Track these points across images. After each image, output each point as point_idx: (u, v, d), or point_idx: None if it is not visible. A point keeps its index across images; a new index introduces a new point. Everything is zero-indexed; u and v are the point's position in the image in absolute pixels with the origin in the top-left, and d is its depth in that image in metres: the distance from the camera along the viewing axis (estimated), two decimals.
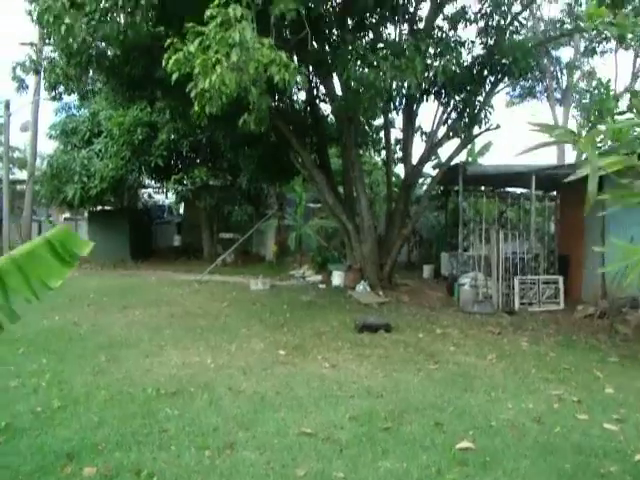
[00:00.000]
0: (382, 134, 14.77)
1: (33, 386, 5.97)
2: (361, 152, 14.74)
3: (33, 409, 5.28)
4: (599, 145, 1.83)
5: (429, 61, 9.66)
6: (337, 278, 13.63)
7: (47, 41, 10.59)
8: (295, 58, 8.03)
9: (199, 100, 6.34)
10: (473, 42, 11.64)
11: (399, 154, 14.80)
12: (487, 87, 11.85)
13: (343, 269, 13.76)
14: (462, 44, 11.15)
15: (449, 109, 12.24)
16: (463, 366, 7.00)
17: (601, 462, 4.25)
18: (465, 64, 10.88)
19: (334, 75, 11.28)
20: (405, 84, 8.84)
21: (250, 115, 7.39)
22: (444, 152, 15.64)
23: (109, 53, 8.17)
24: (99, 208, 19.79)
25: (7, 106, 19.22)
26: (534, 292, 11.28)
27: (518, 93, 20.30)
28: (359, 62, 8.94)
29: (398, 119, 13.94)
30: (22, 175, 22.70)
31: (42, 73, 11.27)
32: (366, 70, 8.67)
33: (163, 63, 6.55)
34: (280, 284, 14.20)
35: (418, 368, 6.88)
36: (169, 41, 6.56)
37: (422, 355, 7.53)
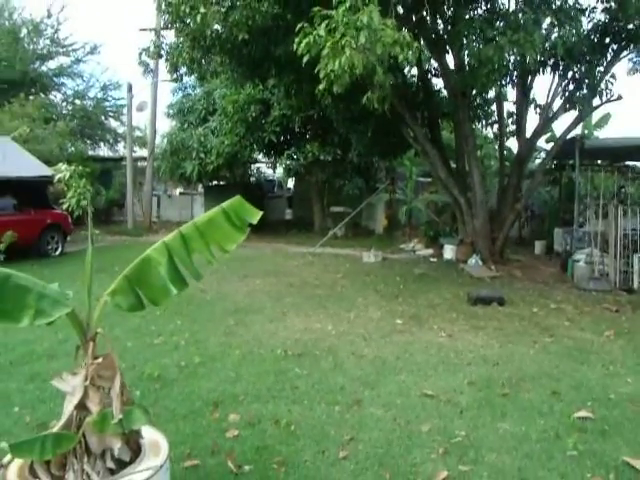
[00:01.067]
0: (494, 107, 14.51)
1: (174, 343, 6.66)
2: (473, 126, 14.56)
3: (177, 363, 5.93)
4: None
5: (547, 32, 9.40)
6: (449, 252, 13.71)
7: (169, 27, 11.26)
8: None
9: (327, 80, 6.64)
10: (594, 8, 11.11)
11: (512, 128, 14.50)
12: (609, 56, 11.30)
13: (455, 243, 13.81)
14: (582, 11, 10.67)
15: (566, 81, 11.79)
16: (579, 341, 6.98)
17: None
18: (585, 32, 10.43)
19: (449, 50, 11.24)
20: (523, 59, 8.69)
21: (373, 93, 7.62)
22: (558, 126, 15.17)
23: (238, 37, 8.61)
24: (214, 183, 20.78)
25: (130, 88, 20.50)
26: None
27: None
28: (475, 37, 8.90)
29: (511, 92, 13.66)
30: (142, 152, 24.19)
31: (165, 57, 11.96)
32: (483, 45, 8.61)
33: (294, 46, 6.89)
34: (391, 257, 14.45)
35: (533, 340, 6.95)
36: (299, 25, 6.89)
37: (536, 329, 7.57)
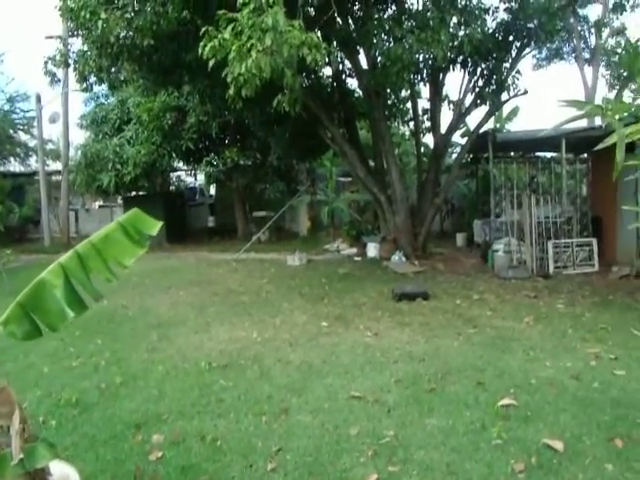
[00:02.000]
0: (409, 105, 14.78)
1: (94, 365, 6.36)
2: (389, 124, 14.77)
3: (98, 385, 5.66)
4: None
5: (454, 31, 9.65)
6: (372, 250, 13.84)
7: (75, 34, 10.83)
8: (320, 36, 8.07)
9: (235, 84, 6.52)
10: (497, 8, 11.54)
11: (427, 124, 14.83)
12: (513, 53, 11.75)
13: (377, 241, 13.96)
14: (486, 11, 11.07)
15: (476, 77, 12.18)
16: (501, 329, 7.17)
17: (639, 414, 4.41)
18: (490, 31, 10.81)
19: (360, 50, 11.33)
20: (432, 56, 8.88)
21: (284, 96, 7.56)
22: (472, 120, 15.61)
23: (143, 43, 8.34)
24: (133, 194, 20.20)
25: (38, 99, 19.62)
26: (568, 255, 11.31)
27: (545, 55, 19.88)
28: (385, 37, 9.02)
29: (425, 89, 13.98)
30: (56, 166, 23.27)
31: (72, 65, 11.50)
32: (392, 44, 8.74)
33: (199, 51, 6.74)
34: (316, 258, 14.46)
35: (457, 333, 7.07)
36: (204, 29, 6.75)
37: (460, 320, 7.72)
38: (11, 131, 26.21)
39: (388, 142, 12.71)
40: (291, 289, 10.45)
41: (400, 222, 12.88)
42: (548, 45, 16.77)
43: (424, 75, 11.91)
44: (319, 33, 8.68)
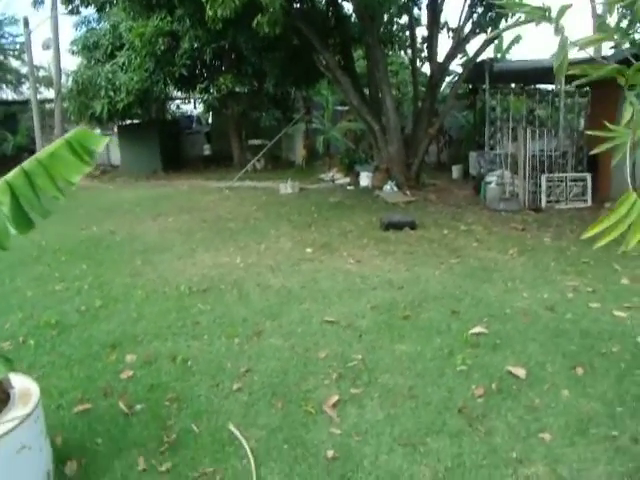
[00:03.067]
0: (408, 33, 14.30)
1: (76, 289, 6.43)
2: (387, 52, 14.35)
3: (78, 308, 5.74)
4: None
5: None
6: (365, 179, 13.72)
7: None
8: None
9: (211, 4, 6.27)
10: None
11: (426, 53, 14.38)
12: None
13: (370, 170, 13.82)
14: None
15: (472, 2, 11.69)
16: (484, 260, 7.17)
17: (605, 344, 4.45)
18: None
19: None
20: None
21: (263, 16, 7.27)
22: (472, 49, 15.13)
23: None
24: (128, 122, 19.89)
25: (26, 23, 18.94)
26: (561, 190, 11.18)
27: None
28: None
29: (425, 17, 13.45)
30: (49, 94, 22.78)
31: None
32: None
33: None
34: (309, 187, 14.35)
35: (440, 262, 7.08)
36: None
37: (445, 250, 7.72)
38: (1, 57, 25.57)
39: (383, 69, 12.36)
40: (280, 217, 10.42)
41: (393, 151, 12.71)
42: None
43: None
44: None
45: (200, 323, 5.17)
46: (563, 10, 1.79)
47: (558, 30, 1.80)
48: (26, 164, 2.65)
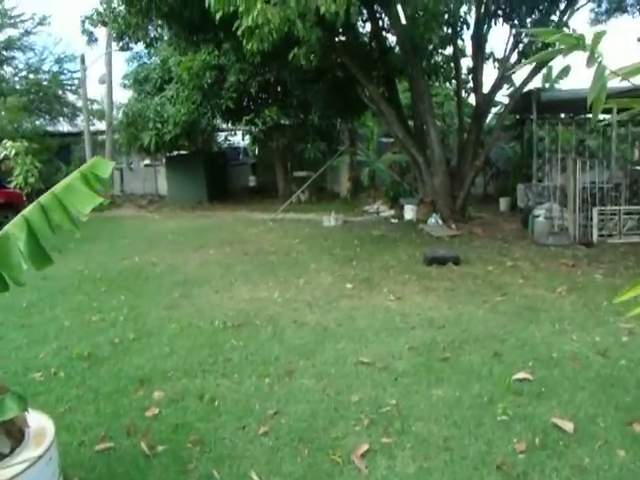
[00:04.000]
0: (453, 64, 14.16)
1: (112, 320, 6.41)
2: (431, 83, 14.23)
3: (112, 340, 5.69)
4: None
5: None
6: (409, 212, 13.53)
7: None
8: None
9: (247, 37, 6.28)
10: None
11: (472, 83, 14.21)
12: (562, 5, 10.97)
13: (415, 203, 13.62)
14: None
15: (520, 32, 11.48)
16: (530, 298, 6.84)
17: None
18: None
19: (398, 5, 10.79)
20: (464, 7, 8.35)
21: (300, 49, 7.24)
22: (520, 79, 14.89)
23: None
24: (175, 153, 20.29)
25: (82, 60, 19.77)
26: (614, 223, 10.73)
27: (605, 9, 18.51)
28: None
29: (470, 47, 13.30)
30: (102, 126, 23.53)
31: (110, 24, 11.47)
32: None
33: (205, 3, 6.53)
34: (353, 220, 14.24)
35: (484, 300, 6.79)
36: None
37: (489, 288, 7.42)
38: (60, 91, 26.65)
39: (427, 101, 12.22)
40: (322, 250, 10.29)
41: (438, 184, 12.49)
42: None
43: (461, 29, 11.25)
44: None
45: (232, 360, 5.04)
46: (599, 37, 1.62)
47: (591, 60, 1.62)
48: (43, 198, 2.59)
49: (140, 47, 16.19)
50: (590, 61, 1.66)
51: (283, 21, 6.03)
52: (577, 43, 1.67)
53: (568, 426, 3.65)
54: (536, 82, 13.47)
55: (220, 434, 3.71)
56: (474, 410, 3.94)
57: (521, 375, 4.51)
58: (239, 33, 6.30)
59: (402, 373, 4.64)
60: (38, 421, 2.96)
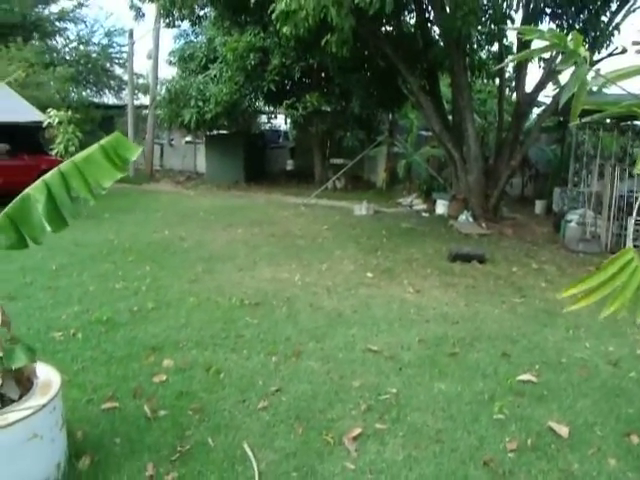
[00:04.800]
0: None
1: (134, 289, 6.60)
2: (474, 79, 14.04)
3: (131, 308, 5.88)
4: None
5: None
6: (441, 207, 13.48)
7: None
8: None
9: (281, 22, 6.33)
10: None
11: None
12: (613, 5, 10.66)
13: (447, 198, 13.55)
14: None
15: (567, 31, 11.22)
16: (550, 302, 6.77)
17: None
18: None
19: None
20: (506, 3, 8.21)
21: (332, 36, 7.24)
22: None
23: None
24: (215, 132, 20.49)
25: (131, 35, 20.09)
26: None
27: None
28: None
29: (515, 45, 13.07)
30: (145, 100, 23.89)
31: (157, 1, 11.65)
32: None
33: None
34: (385, 210, 14.23)
35: (502, 300, 6.76)
36: None
37: (510, 288, 7.38)
38: (107, 64, 27.12)
39: (467, 97, 12.05)
40: (349, 238, 10.34)
41: (472, 181, 12.37)
42: None
43: (503, 26, 11.03)
44: None
45: (243, 336, 5.16)
46: (579, 39, 1.64)
47: (568, 59, 1.64)
48: (63, 166, 2.72)
49: (187, 25, 16.44)
50: (566, 61, 1.68)
51: (317, 7, 6.06)
52: (559, 43, 1.70)
53: (563, 431, 3.66)
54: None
55: (221, 405, 3.84)
56: (472, 406, 3.98)
57: (525, 377, 4.51)
58: (273, 17, 6.35)
59: (407, 364, 4.69)
60: (46, 373, 3.13)
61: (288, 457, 3.26)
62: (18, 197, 2.75)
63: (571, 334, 5.68)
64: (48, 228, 2.67)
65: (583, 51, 1.68)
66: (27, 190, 2.73)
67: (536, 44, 11.46)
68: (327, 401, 3.95)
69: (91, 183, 2.70)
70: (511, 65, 13.67)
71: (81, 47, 26.88)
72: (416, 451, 3.37)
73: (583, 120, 1.97)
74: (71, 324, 5.36)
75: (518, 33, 9.51)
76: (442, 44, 12.18)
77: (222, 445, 3.36)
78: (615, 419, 3.89)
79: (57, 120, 11.99)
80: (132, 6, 12.02)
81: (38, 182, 2.72)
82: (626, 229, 10.50)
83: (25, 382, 3.01)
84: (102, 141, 2.83)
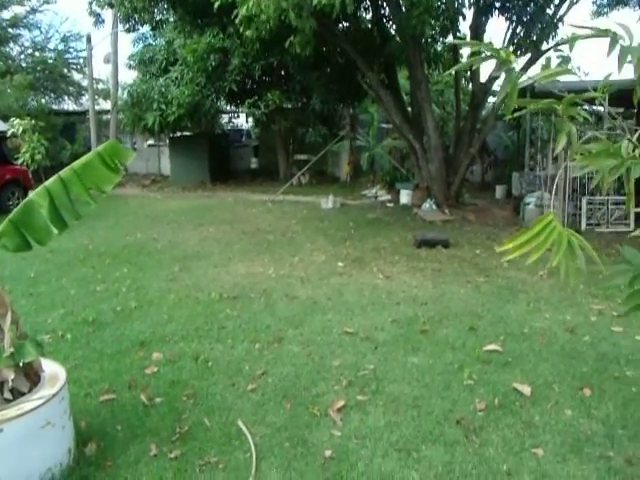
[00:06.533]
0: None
1: (115, 290, 6.81)
2: (431, 71, 14.48)
3: (114, 308, 6.10)
4: None
5: None
6: (405, 196, 13.89)
7: None
8: None
9: (245, 25, 6.60)
10: None
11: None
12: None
13: (411, 188, 13.96)
14: None
15: (515, 24, 11.71)
16: (512, 280, 7.21)
17: (620, 368, 4.48)
18: None
19: None
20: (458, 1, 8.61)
21: (295, 38, 7.55)
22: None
23: None
24: (179, 134, 20.55)
25: (89, 40, 19.99)
26: (602, 213, 11.07)
27: (607, 1, 18.60)
28: None
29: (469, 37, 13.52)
30: (106, 105, 23.79)
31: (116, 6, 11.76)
32: None
33: None
34: (351, 203, 14.58)
35: (467, 281, 7.17)
36: None
37: (474, 269, 7.79)
38: (65, 70, 26.80)
39: (424, 89, 12.47)
40: (317, 231, 10.66)
41: (434, 170, 12.81)
42: None
43: (455, 20, 11.46)
44: None
45: (226, 328, 5.44)
46: (509, 53, 1.97)
47: (502, 66, 1.96)
48: (63, 173, 2.97)
49: (146, 29, 16.50)
50: (499, 68, 2.01)
51: (277, 11, 6.34)
52: (495, 54, 2.02)
53: (526, 390, 4.05)
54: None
55: (212, 390, 4.12)
56: (444, 375, 4.34)
57: (491, 347, 4.90)
58: (237, 21, 6.61)
59: (382, 343, 5.04)
60: (52, 368, 3.38)
61: (280, 430, 3.56)
62: (21, 203, 2.99)
63: (532, 307, 6.11)
64: (54, 231, 2.92)
65: (513, 59, 2.01)
66: (30, 196, 2.97)
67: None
68: (310, 380, 4.27)
69: (90, 188, 2.95)
70: (465, 56, 14.11)
71: (37, 54, 26.51)
72: (395, 416, 3.71)
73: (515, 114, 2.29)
74: (58, 326, 5.56)
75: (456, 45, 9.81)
76: (398, 39, 12.55)
77: (218, 424, 3.64)
78: (571, 377, 4.31)
79: (21, 129, 12.01)
80: (91, 12, 12.08)
81: (40, 189, 2.97)
82: (580, 209, 11.06)
83: (33, 376, 3.25)
84: (99, 148, 3.08)
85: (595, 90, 2.27)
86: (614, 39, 1.91)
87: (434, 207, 12.57)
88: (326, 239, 9.83)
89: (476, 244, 9.44)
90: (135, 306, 6.13)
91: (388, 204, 14.21)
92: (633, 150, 2.06)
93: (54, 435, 3.08)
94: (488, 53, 2.01)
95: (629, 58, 1.89)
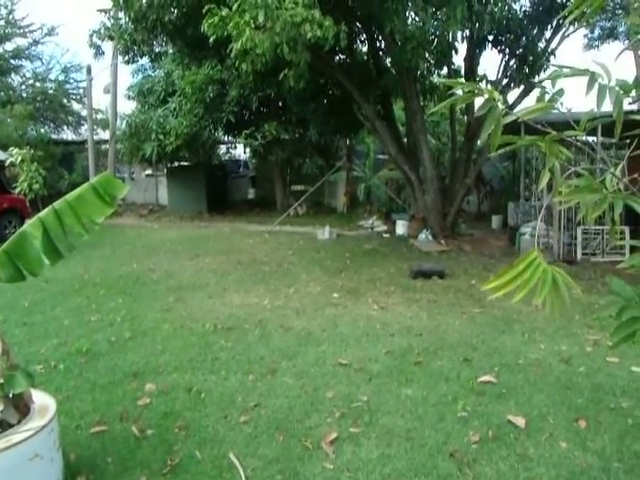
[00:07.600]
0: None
1: (110, 321, 6.79)
2: (426, 103, 14.66)
3: (109, 338, 6.08)
4: None
5: (478, 8, 9.37)
6: (401, 227, 13.96)
7: (121, 7, 11.23)
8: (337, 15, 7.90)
9: (240, 59, 6.73)
10: None
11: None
12: (547, 33, 11.42)
13: (407, 218, 14.04)
14: None
15: (508, 57, 11.93)
16: (507, 311, 7.19)
17: (616, 399, 4.46)
18: (523, 8, 10.51)
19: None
20: (450, 35, 8.77)
21: (289, 71, 7.68)
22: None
23: (171, 18, 8.64)
24: (176, 164, 20.73)
25: (89, 71, 20.34)
26: (598, 242, 11.12)
27: (597, 35, 19.02)
28: (407, 14, 8.92)
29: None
30: (105, 135, 24.07)
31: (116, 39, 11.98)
32: (409, 22, 8.66)
33: (202, 27, 7.01)
34: (347, 234, 14.64)
35: (462, 312, 7.16)
36: (206, 7, 6.98)
37: (470, 300, 7.79)
38: (65, 100, 27.19)
39: (420, 121, 12.64)
40: (313, 262, 10.67)
41: (429, 201, 12.90)
42: (601, 23, 16.13)
43: (448, 53, 11.63)
44: (329, 13, 8.62)
45: (220, 359, 5.41)
46: (493, 92, 2.02)
47: (486, 104, 2.01)
48: (57, 204, 3.00)
49: (145, 60, 16.74)
50: (483, 107, 2.05)
51: (272, 45, 6.48)
52: (479, 92, 2.07)
53: (521, 422, 4.02)
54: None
55: (204, 422, 4.09)
56: (438, 407, 4.31)
57: (486, 378, 4.88)
58: (232, 55, 6.75)
59: (376, 374, 5.01)
60: (42, 399, 3.36)
61: (272, 462, 3.53)
62: (15, 234, 3.01)
63: (527, 337, 6.10)
64: (47, 262, 2.93)
65: (497, 96, 2.05)
66: (24, 227, 2.99)
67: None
68: (303, 412, 4.23)
69: (83, 219, 2.97)
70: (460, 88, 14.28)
71: (37, 84, 26.89)
72: (389, 449, 3.68)
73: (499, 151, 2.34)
74: (51, 357, 5.53)
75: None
76: (394, 71, 12.73)
77: (209, 457, 3.61)
78: (566, 409, 4.28)
79: (19, 158, 12.10)
80: (92, 44, 12.30)
81: (34, 220, 2.99)
82: (576, 238, 11.11)
83: (22, 408, 3.22)
84: (92, 181, 3.12)
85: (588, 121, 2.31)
86: (592, 78, 1.97)
87: (430, 237, 12.63)
88: (322, 270, 9.84)
89: (472, 274, 9.45)
90: (129, 336, 6.11)
91: (384, 235, 14.26)
92: (617, 184, 2.10)
93: (42, 468, 3.05)
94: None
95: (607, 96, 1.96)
